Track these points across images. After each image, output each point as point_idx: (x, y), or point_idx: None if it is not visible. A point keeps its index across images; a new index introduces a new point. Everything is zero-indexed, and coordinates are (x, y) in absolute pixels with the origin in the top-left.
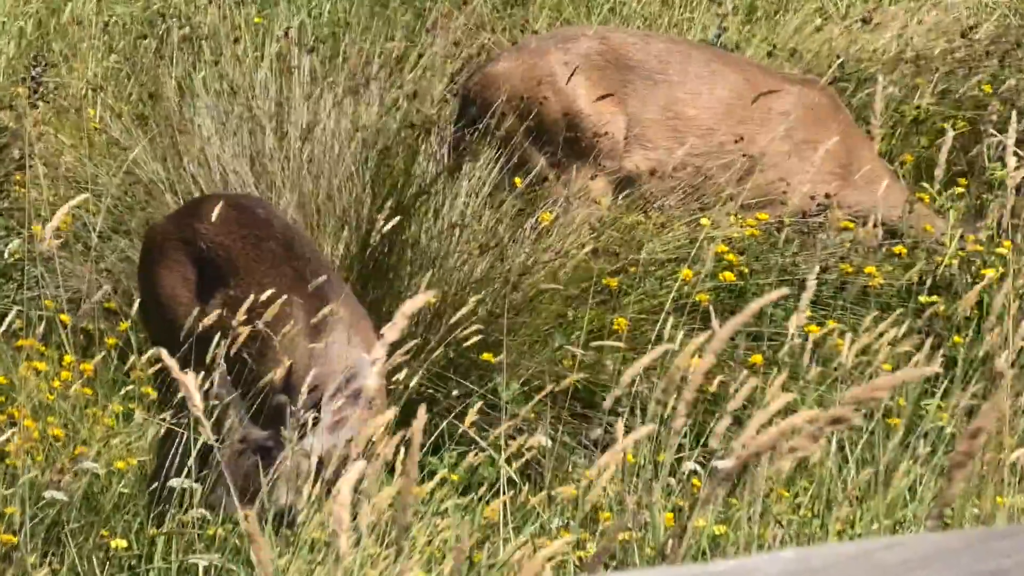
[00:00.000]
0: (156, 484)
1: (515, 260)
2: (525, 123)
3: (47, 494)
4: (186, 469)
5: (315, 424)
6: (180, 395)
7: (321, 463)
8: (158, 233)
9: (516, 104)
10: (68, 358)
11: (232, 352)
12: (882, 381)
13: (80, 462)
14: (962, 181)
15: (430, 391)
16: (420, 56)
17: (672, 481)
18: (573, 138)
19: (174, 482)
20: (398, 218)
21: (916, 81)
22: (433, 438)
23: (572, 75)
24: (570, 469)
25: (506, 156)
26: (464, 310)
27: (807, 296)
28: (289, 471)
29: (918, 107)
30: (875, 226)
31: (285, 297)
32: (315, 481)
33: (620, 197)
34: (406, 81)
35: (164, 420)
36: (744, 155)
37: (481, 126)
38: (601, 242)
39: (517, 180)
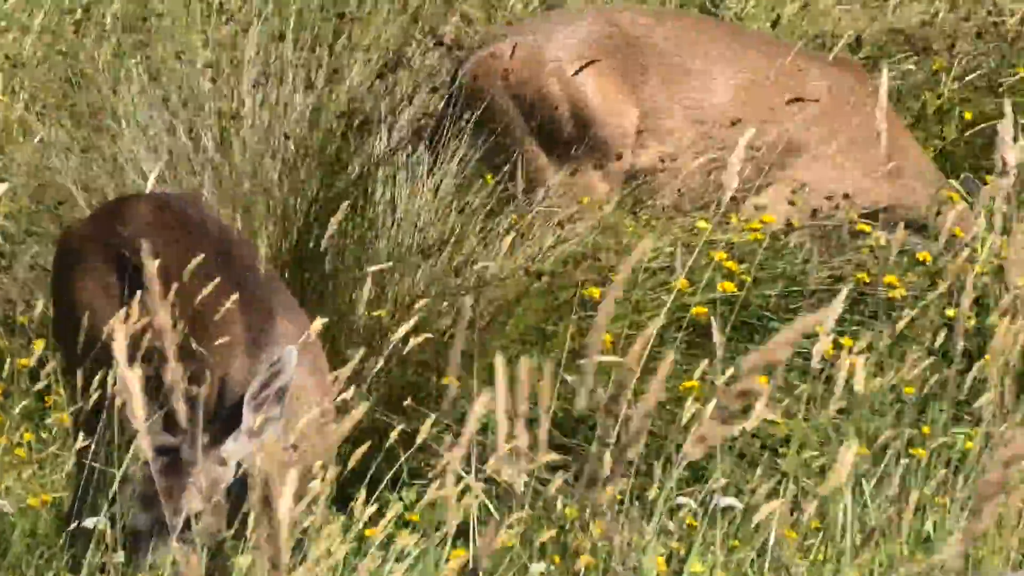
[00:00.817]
0: (73, 523)
1: (476, 266)
2: (523, 114)
3: None
4: (105, 505)
5: (234, 428)
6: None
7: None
8: (75, 237)
9: (514, 93)
10: None
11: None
12: (780, 337)
13: None
14: (988, 178)
15: (383, 418)
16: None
17: (667, 520)
18: (579, 131)
19: (89, 521)
20: (338, 218)
21: (937, 64)
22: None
23: (581, 67)
24: (549, 507)
25: (499, 149)
26: (406, 327)
27: (832, 315)
28: (201, 479)
29: (940, 95)
30: (906, 227)
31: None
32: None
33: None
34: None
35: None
36: (775, 145)
37: (471, 117)
38: (584, 246)
39: (488, 177)
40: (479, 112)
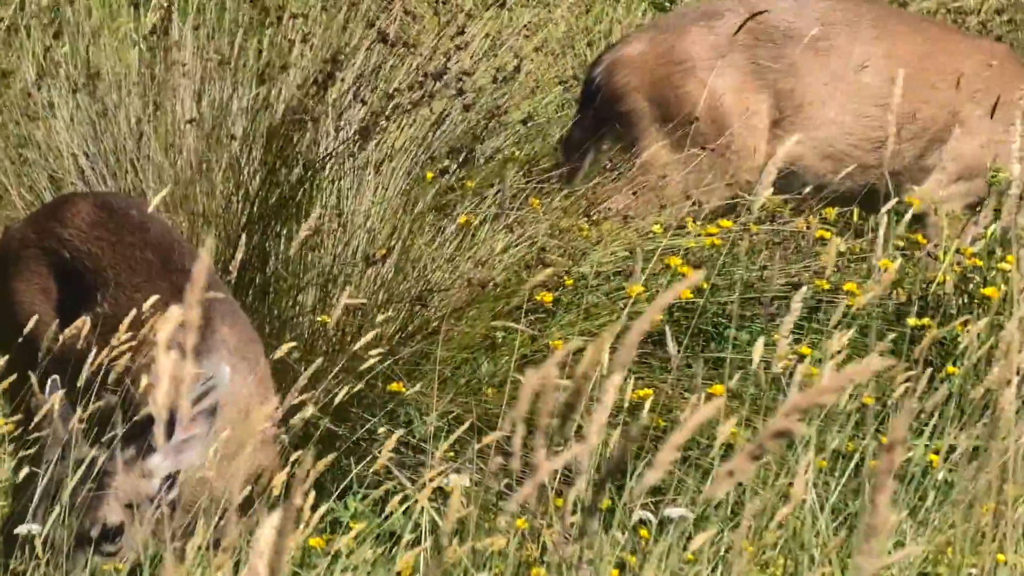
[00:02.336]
0: (9, 532)
1: (423, 270)
2: (658, 111)
3: None
4: (38, 512)
5: (156, 442)
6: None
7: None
8: (14, 239)
9: (649, 90)
10: None
11: (99, 379)
12: (828, 384)
13: None
14: None
15: (331, 426)
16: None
17: (617, 533)
18: (710, 133)
19: (21, 528)
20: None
21: None
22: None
23: (718, 61)
24: (497, 516)
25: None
26: (368, 337)
27: (789, 321)
28: (122, 492)
29: None
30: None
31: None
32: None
33: (560, 197)
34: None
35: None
36: (935, 125)
37: (608, 115)
38: (534, 250)
39: (428, 174)
40: (616, 111)
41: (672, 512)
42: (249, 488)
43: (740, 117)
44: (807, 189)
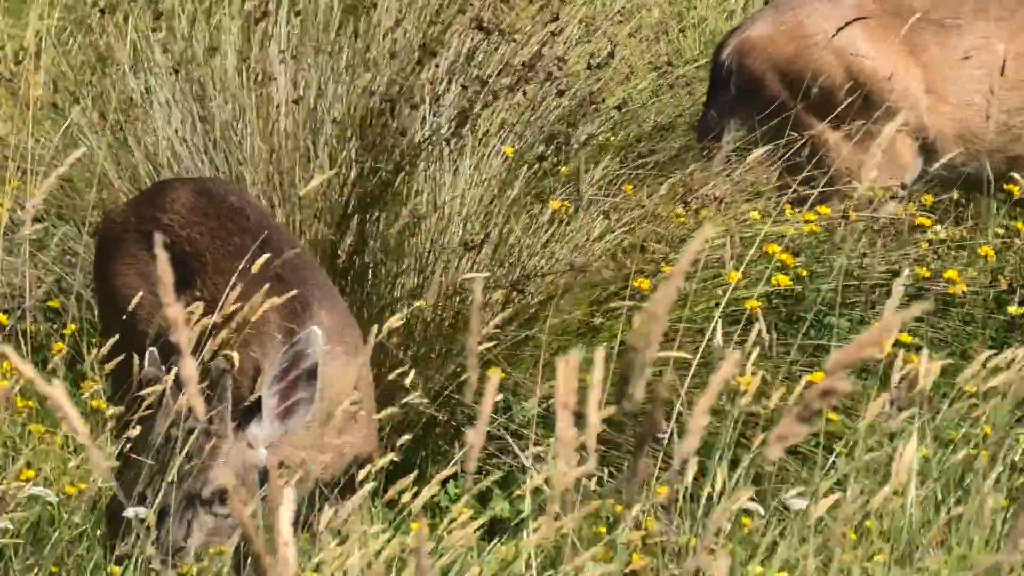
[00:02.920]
0: (114, 513)
1: (519, 257)
2: (793, 89)
3: None
4: (146, 495)
5: (256, 410)
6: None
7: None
8: (114, 224)
9: (781, 69)
10: (6, 365)
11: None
12: (867, 337)
13: (27, 488)
14: None
15: (431, 412)
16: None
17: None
18: (859, 99)
19: (129, 512)
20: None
21: None
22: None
23: (845, 26)
24: (602, 505)
25: (771, 127)
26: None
27: (891, 308)
28: (231, 459)
29: None
30: None
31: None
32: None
33: (661, 184)
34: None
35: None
36: None
37: (741, 97)
38: (634, 236)
39: (522, 160)
40: (749, 93)
41: (794, 504)
42: (348, 472)
43: (887, 81)
44: (933, 168)
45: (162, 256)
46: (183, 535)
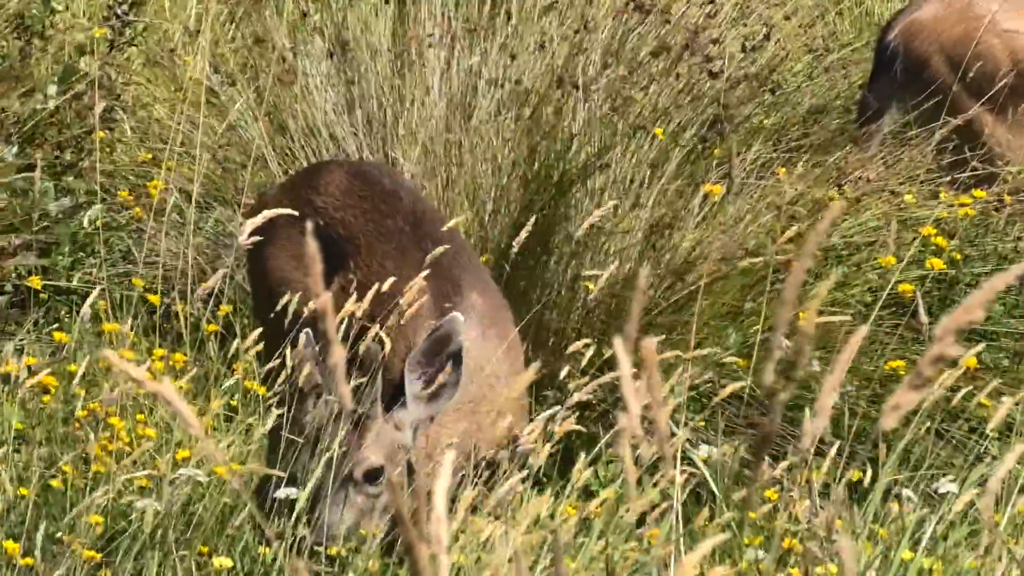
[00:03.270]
0: (264, 494)
1: (677, 241)
2: (959, 71)
3: (140, 504)
4: (296, 476)
5: (401, 392)
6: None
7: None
8: (268, 205)
9: (948, 51)
10: (160, 352)
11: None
12: (973, 300)
13: (179, 468)
14: None
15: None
16: None
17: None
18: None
19: (280, 492)
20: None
21: None
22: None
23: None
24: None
25: (929, 109)
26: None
27: None
28: (381, 439)
29: None
30: None
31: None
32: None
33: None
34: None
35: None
36: None
37: (905, 79)
38: (782, 221)
39: (675, 143)
40: (913, 75)
41: (943, 487)
42: (496, 452)
43: None
44: None
45: (311, 245)
46: (335, 517)
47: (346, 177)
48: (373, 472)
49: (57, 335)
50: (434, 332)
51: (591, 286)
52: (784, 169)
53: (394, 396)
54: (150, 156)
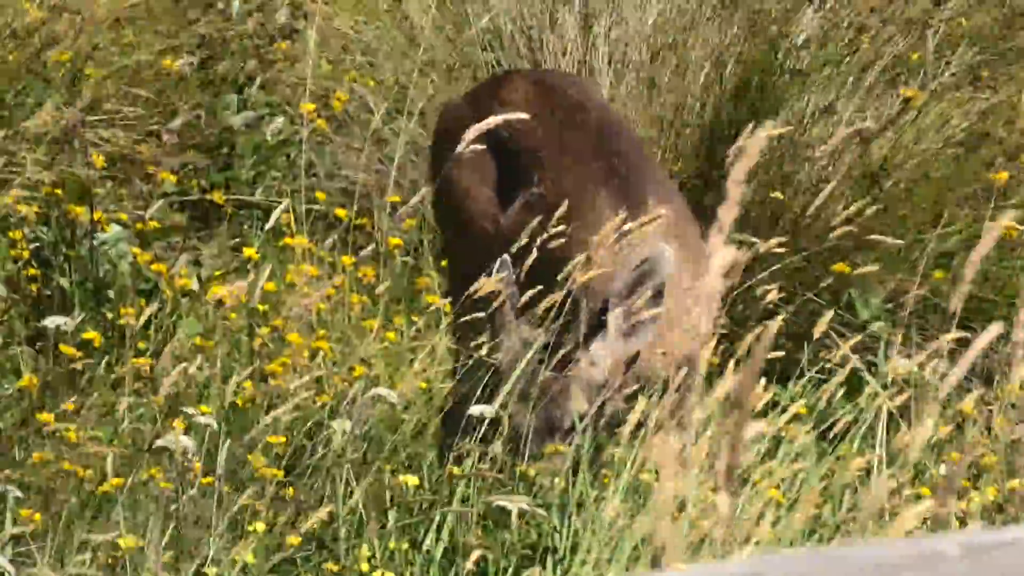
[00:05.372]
0: (453, 413)
1: (875, 147)
2: None
3: (336, 424)
4: (486, 394)
5: (601, 329)
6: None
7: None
8: (451, 118)
9: None
10: (346, 259)
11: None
12: None
13: (366, 388)
14: None
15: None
16: None
17: None
18: None
19: (474, 409)
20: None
21: None
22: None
23: None
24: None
25: None
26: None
27: None
28: (581, 378)
29: None
30: None
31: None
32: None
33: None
34: None
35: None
36: None
37: None
38: (986, 126)
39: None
40: None
41: None
42: (682, 372)
43: None
44: None
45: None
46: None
47: (530, 87)
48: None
49: (247, 251)
50: (640, 265)
51: (780, 195)
52: (987, 72)
53: (590, 330)
54: (331, 67)
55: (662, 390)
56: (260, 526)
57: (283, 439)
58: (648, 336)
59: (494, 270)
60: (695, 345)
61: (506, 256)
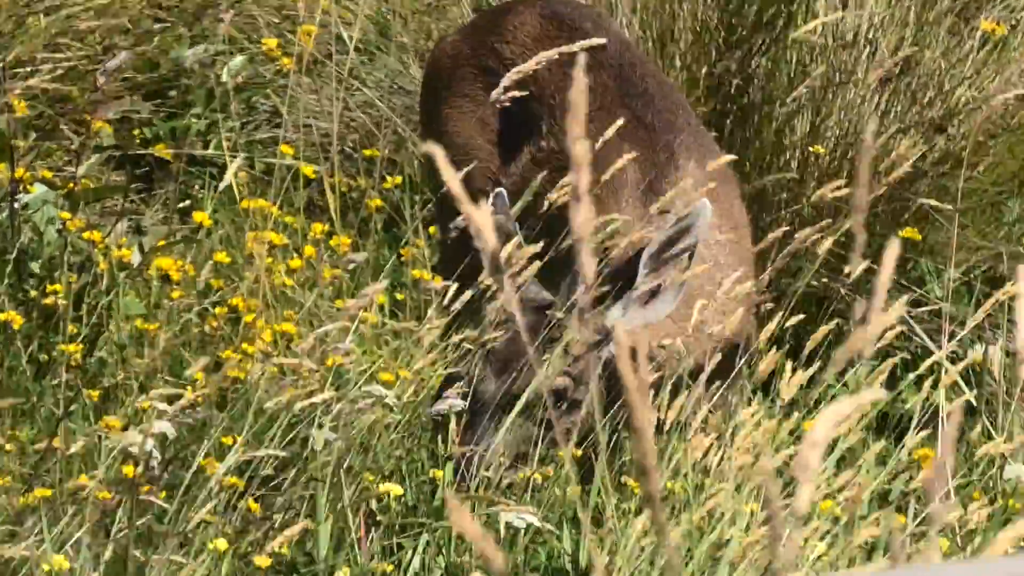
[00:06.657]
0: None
1: (939, 90)
2: None
3: (316, 433)
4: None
5: (623, 291)
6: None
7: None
8: (445, 55)
9: None
10: (318, 227)
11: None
12: None
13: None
14: None
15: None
16: None
17: None
18: None
19: (441, 404)
20: None
21: None
22: None
23: None
24: None
25: None
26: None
27: None
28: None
29: None
30: None
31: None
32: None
33: None
34: None
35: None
36: None
37: None
38: None
39: None
40: None
41: None
42: (721, 356)
43: None
44: None
45: None
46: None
47: (538, 20)
48: (560, 391)
49: (197, 215)
50: (678, 221)
51: (819, 149)
52: None
53: (608, 290)
54: None
55: (692, 378)
56: (222, 543)
57: (240, 440)
58: (670, 305)
59: (488, 202)
60: (739, 330)
61: (502, 190)
